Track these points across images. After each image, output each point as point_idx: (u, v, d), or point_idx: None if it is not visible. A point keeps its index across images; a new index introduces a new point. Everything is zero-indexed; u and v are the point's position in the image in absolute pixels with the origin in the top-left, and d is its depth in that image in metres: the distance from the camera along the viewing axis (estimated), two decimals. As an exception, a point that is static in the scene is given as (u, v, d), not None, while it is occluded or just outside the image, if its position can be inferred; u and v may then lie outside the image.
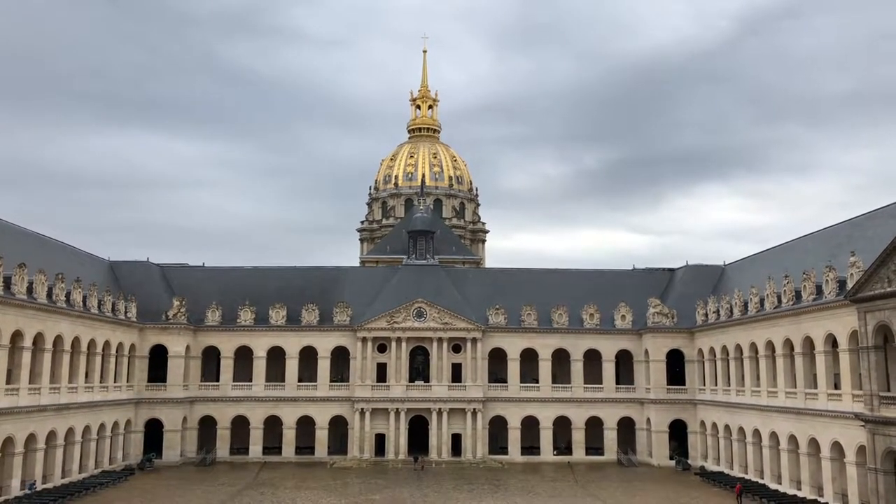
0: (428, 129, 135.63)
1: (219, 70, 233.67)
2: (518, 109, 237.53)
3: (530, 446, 77.31)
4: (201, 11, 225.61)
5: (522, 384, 78.28)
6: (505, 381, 78.53)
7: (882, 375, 43.79)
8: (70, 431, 59.67)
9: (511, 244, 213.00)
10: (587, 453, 76.69)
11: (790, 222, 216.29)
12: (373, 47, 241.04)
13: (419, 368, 78.47)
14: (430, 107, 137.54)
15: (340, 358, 78.89)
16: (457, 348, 78.40)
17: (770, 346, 58.90)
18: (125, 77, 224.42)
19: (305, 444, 76.41)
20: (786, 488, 55.42)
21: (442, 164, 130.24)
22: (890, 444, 42.15)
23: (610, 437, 77.09)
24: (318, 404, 76.92)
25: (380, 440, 76.33)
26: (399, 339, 77.34)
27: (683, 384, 75.17)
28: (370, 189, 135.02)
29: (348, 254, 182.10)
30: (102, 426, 65.70)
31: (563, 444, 77.84)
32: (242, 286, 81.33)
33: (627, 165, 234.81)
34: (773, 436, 58.01)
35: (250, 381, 77.28)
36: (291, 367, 77.56)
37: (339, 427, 77.37)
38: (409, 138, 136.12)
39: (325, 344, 77.83)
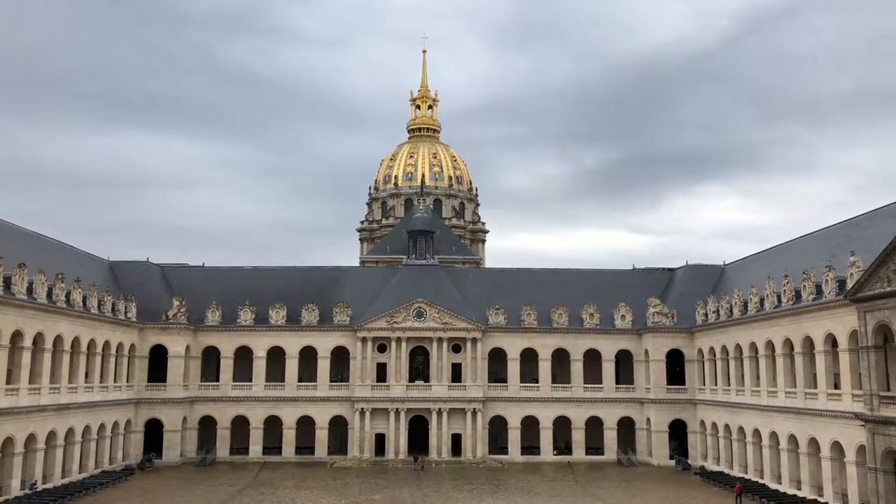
0: (428, 129, 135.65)
1: (218, 70, 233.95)
2: (518, 109, 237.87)
3: (530, 446, 77.32)
4: (200, 11, 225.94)
5: (522, 384, 78.28)
6: (505, 381, 78.54)
7: (882, 375, 43.80)
8: (70, 431, 59.67)
9: (511, 244, 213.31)
10: (587, 453, 76.70)
11: (790, 222, 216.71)
12: (372, 47, 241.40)
13: (419, 368, 78.48)
14: (430, 107, 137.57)
15: (340, 358, 78.90)
16: (457, 348, 78.41)
17: (770, 345, 58.91)
18: (125, 77, 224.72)
19: (305, 444, 76.42)
20: (786, 488, 55.42)
21: (442, 164, 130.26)
22: (890, 443, 42.16)
23: (610, 436, 77.11)
24: (318, 404, 76.93)
25: (380, 440, 76.34)
26: (399, 339, 77.34)
27: (683, 384, 75.19)
28: (370, 189, 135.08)
29: (348, 254, 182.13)
30: (102, 426, 65.70)
31: (562, 444, 77.84)
32: (242, 286, 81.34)
33: (627, 165, 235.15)
34: (773, 436, 58.03)
35: (250, 381, 77.28)
36: (291, 367, 77.56)
37: (339, 427, 77.38)
38: (409, 138, 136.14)
39: (324, 344, 77.84)
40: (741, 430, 63.75)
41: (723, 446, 67.95)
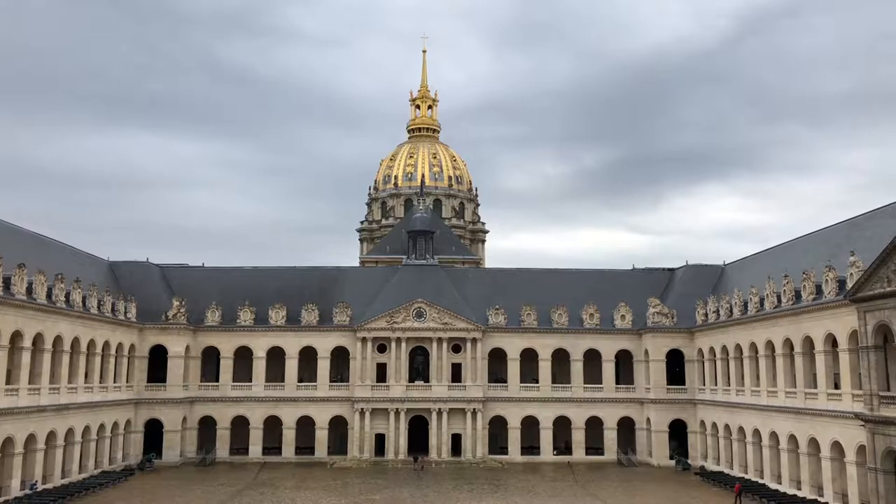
0: (427, 129, 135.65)
1: (218, 70, 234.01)
2: (517, 109, 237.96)
3: (530, 446, 77.31)
4: (200, 11, 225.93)
5: (522, 384, 78.26)
6: (505, 381, 78.52)
7: (882, 375, 43.79)
8: (70, 432, 59.64)
9: (511, 244, 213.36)
10: (587, 453, 76.69)
11: (790, 222, 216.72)
12: (372, 47, 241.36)
13: (419, 368, 78.45)
14: (430, 107, 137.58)
15: (340, 358, 78.88)
16: (457, 348, 78.39)
17: (770, 345, 58.90)
18: (125, 77, 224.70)
19: (305, 444, 76.40)
20: (786, 488, 55.41)
21: (441, 164, 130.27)
22: (890, 443, 42.15)
23: (610, 437, 77.09)
24: (317, 404, 76.91)
25: (380, 440, 76.32)
26: (399, 340, 77.33)
27: (683, 384, 75.18)
28: (370, 189, 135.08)
29: (348, 254, 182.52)
30: (102, 426, 65.69)
31: (562, 444, 77.83)
32: (242, 286, 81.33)
33: (627, 165, 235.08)
34: (773, 435, 58.02)
35: (250, 381, 77.26)
36: (291, 367, 77.54)
37: (338, 427, 77.37)
38: (409, 138, 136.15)
39: (324, 344, 77.82)
40: (741, 430, 63.74)
41: (723, 446, 67.94)
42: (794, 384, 55.55)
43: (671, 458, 73.43)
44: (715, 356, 69.70)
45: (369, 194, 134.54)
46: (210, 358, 78.42)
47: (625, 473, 69.58)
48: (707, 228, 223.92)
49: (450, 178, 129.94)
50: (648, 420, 75.85)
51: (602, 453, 76.53)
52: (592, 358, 78.52)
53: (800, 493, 53.38)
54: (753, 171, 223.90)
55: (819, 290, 52.32)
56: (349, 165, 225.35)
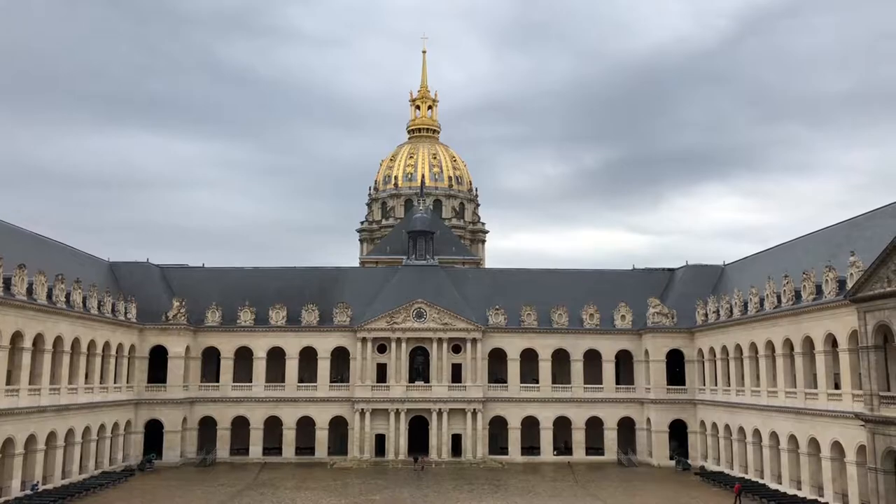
0: (427, 129, 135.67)
1: (218, 70, 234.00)
2: (517, 109, 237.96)
3: (530, 446, 77.33)
4: (200, 11, 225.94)
5: (522, 384, 78.27)
6: (505, 382, 78.53)
7: (882, 375, 43.80)
8: (70, 432, 59.66)
9: (511, 244, 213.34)
10: (587, 453, 76.71)
11: (790, 222, 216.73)
12: (372, 47, 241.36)
13: (419, 369, 78.46)
14: (430, 107, 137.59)
15: (340, 358, 78.89)
16: (457, 348, 78.40)
17: (770, 345, 58.92)
18: (125, 77, 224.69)
19: (305, 444, 76.42)
20: (786, 488, 55.43)
21: (441, 164, 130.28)
22: (890, 443, 42.16)
23: (610, 437, 77.11)
24: (318, 405, 76.92)
25: (380, 440, 76.35)
26: (399, 340, 77.35)
27: (683, 384, 75.19)
28: (370, 189, 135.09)
29: (348, 254, 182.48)
30: (102, 427, 65.71)
31: (563, 444, 77.84)
32: (242, 286, 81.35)
33: (627, 165, 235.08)
34: (773, 436, 58.03)
35: (250, 381, 77.26)
36: (291, 367, 77.55)
37: (339, 427, 77.38)
38: (409, 139, 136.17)
39: (324, 344, 77.83)
40: (741, 430, 63.75)
41: (723, 446, 67.96)
42: (794, 384, 55.57)
43: (671, 458, 73.44)
44: (715, 356, 69.71)
45: (369, 194, 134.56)
46: (210, 358, 78.44)
47: (625, 473, 69.60)
48: (707, 228, 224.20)
49: (450, 178, 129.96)
50: (648, 420, 75.87)
51: (602, 453, 76.54)
52: (592, 358, 78.53)
53: (800, 494, 53.39)
54: (753, 171, 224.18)
55: (819, 291, 52.34)
56: (349, 165, 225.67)
